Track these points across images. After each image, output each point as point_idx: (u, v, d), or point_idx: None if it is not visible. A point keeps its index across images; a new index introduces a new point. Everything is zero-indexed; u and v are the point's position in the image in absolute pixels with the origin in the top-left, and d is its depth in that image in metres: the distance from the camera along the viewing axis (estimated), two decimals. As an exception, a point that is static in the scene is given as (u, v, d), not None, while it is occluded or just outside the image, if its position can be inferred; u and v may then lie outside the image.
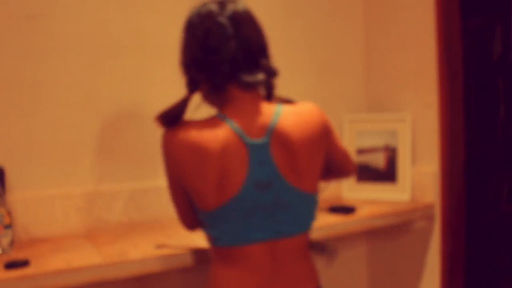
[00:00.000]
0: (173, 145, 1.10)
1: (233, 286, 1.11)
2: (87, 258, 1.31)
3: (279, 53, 2.10)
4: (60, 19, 1.61)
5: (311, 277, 1.20)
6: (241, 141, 1.06)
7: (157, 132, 1.81)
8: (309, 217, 1.18)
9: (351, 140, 2.19)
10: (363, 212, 1.81)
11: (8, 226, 1.39)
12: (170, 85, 1.82)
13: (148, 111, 1.78)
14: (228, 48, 1.06)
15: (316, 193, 1.17)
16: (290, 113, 1.11)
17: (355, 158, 2.17)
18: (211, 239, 1.16)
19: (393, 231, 2.10)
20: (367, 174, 2.13)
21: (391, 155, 2.08)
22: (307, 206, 1.16)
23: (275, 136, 1.08)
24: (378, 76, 2.23)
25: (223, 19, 1.07)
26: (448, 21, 1.89)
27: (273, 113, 1.10)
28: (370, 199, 2.07)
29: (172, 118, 1.13)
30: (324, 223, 1.61)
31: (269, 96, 1.17)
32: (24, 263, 1.23)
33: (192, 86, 1.15)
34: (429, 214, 1.94)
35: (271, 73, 1.14)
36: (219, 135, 1.06)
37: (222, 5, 1.10)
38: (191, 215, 1.22)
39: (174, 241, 1.48)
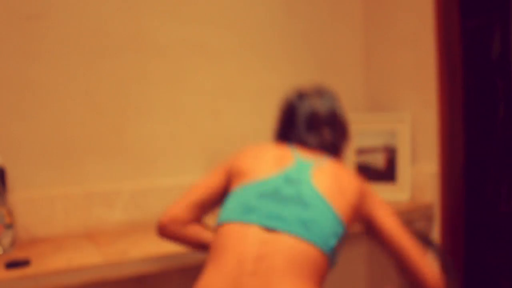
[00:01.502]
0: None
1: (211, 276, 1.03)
2: (88, 257, 1.31)
3: (279, 53, 2.11)
4: (60, 19, 1.61)
5: None
6: (293, 156, 1.21)
7: (157, 132, 1.82)
8: (328, 233, 1.07)
9: (351, 140, 2.19)
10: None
11: (9, 226, 1.39)
12: (170, 85, 1.83)
13: (148, 111, 1.78)
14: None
15: (343, 222, 1.12)
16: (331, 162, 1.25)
17: (355, 158, 2.17)
18: (218, 217, 1.17)
19: (393, 231, 2.10)
20: (367, 174, 2.13)
21: (391, 155, 2.08)
22: (329, 219, 1.08)
23: (317, 166, 1.19)
24: (378, 76, 2.23)
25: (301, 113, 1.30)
26: (448, 21, 1.90)
27: (321, 158, 1.24)
28: (369, 199, 2.07)
29: None
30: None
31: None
32: (24, 263, 1.23)
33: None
34: (429, 214, 1.94)
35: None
36: (279, 147, 1.27)
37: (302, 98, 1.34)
38: (194, 206, 1.23)
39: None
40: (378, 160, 2.11)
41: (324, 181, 1.14)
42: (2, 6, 1.53)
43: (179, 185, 1.80)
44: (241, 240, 1.04)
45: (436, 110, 1.93)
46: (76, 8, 1.64)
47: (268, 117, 2.06)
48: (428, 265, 1.16)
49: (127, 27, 1.73)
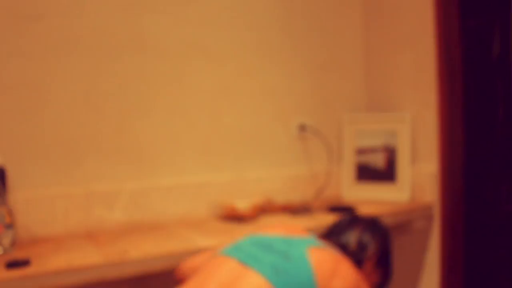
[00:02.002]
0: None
1: None
2: (88, 257, 1.31)
3: (279, 53, 2.11)
4: (60, 19, 1.61)
5: None
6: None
7: (157, 132, 1.82)
8: (295, 285, 1.06)
9: (350, 140, 2.19)
10: (363, 212, 1.81)
11: (9, 226, 1.39)
12: (170, 85, 1.83)
13: (148, 111, 1.78)
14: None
15: None
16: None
17: (355, 158, 2.17)
18: None
19: (393, 231, 2.11)
20: (367, 174, 2.13)
21: (391, 155, 2.08)
22: (302, 276, 1.07)
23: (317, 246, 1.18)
24: (378, 76, 2.23)
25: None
26: (447, 21, 1.90)
27: None
28: (369, 199, 2.07)
29: None
30: (324, 223, 1.62)
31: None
32: (25, 263, 1.23)
33: None
34: (429, 214, 1.94)
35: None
36: None
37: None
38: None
39: (174, 241, 1.49)
40: (378, 160, 2.11)
41: (321, 258, 1.10)
42: (2, 6, 1.53)
43: (179, 185, 1.81)
44: (216, 266, 1.10)
45: (436, 110, 1.93)
46: (76, 8, 1.64)
47: (268, 117, 2.07)
48: None
49: (127, 27, 1.73)
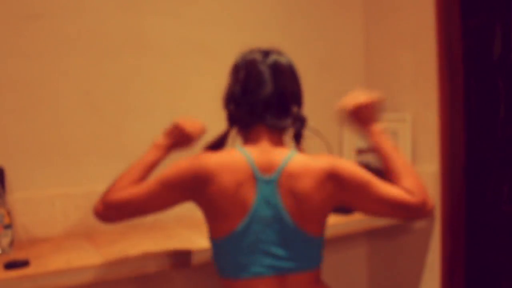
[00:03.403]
0: (205, 162, 1.14)
1: None
2: (87, 258, 1.31)
3: (279, 53, 2.10)
4: (60, 19, 1.61)
5: None
6: (252, 174, 1.12)
7: (157, 132, 1.82)
8: (313, 257, 1.15)
9: (351, 140, 2.18)
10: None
11: (8, 226, 1.39)
12: (170, 85, 1.82)
13: (148, 111, 1.78)
14: (263, 92, 1.17)
15: (321, 236, 1.17)
16: (300, 158, 1.15)
17: (355, 158, 2.16)
18: (218, 269, 1.17)
19: (393, 231, 2.10)
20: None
21: (391, 155, 2.07)
22: (310, 247, 1.14)
23: (283, 176, 1.12)
24: (378, 76, 2.23)
25: (263, 67, 1.19)
26: (448, 21, 1.89)
27: (286, 156, 1.15)
28: (370, 199, 2.06)
29: (214, 148, 1.23)
30: (324, 223, 1.61)
31: (297, 142, 1.24)
32: (24, 263, 1.23)
33: (231, 121, 1.24)
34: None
35: (299, 121, 1.22)
36: (236, 165, 1.13)
37: (265, 55, 1.22)
38: (132, 204, 1.18)
39: (174, 241, 1.48)
40: (378, 161, 2.10)
41: (291, 199, 1.11)
42: (2, 5, 1.53)
43: (179, 185, 1.80)
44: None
45: (437, 110, 1.92)
46: (76, 7, 1.64)
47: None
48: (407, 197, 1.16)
49: (127, 27, 1.72)
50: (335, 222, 1.69)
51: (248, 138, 1.21)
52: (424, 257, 1.99)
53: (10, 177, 1.53)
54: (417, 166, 2.01)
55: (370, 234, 2.23)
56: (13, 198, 1.52)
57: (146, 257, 1.33)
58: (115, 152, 1.71)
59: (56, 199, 1.59)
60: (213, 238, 1.16)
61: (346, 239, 2.14)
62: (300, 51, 2.12)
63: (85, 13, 1.65)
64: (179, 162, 1.17)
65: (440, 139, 1.92)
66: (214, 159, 1.13)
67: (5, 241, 1.38)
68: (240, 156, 1.14)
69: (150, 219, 1.74)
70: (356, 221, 1.76)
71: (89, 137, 1.67)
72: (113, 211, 1.19)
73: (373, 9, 2.23)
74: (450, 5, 1.88)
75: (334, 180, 1.13)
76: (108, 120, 1.70)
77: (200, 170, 1.12)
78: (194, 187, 1.13)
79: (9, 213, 1.40)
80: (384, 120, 2.12)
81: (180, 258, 1.36)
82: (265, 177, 1.12)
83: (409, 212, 1.15)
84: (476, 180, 1.95)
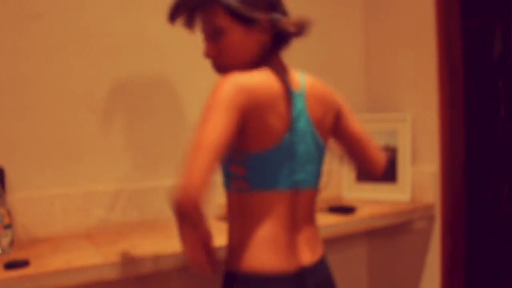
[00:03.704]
0: (247, 81, 1.10)
1: (270, 239, 1.14)
2: (87, 258, 1.31)
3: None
4: (60, 18, 1.61)
5: (319, 239, 1.27)
6: (288, 89, 1.15)
7: (157, 132, 1.82)
8: (321, 172, 1.25)
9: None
10: (363, 212, 1.81)
11: (8, 226, 1.39)
12: (170, 85, 1.82)
13: (148, 111, 1.78)
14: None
15: (326, 147, 1.27)
16: (309, 77, 1.26)
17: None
18: (246, 184, 1.15)
19: (393, 231, 2.10)
20: (367, 174, 2.12)
21: (391, 155, 2.08)
22: (323, 160, 1.25)
23: (307, 91, 1.20)
24: (378, 76, 2.23)
25: None
26: (448, 20, 1.89)
27: (299, 73, 1.24)
28: (370, 199, 2.07)
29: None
30: (324, 223, 1.61)
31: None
32: (24, 263, 1.22)
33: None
34: (429, 214, 1.94)
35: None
36: (273, 81, 1.14)
37: None
38: (213, 166, 1.03)
39: (174, 241, 1.48)
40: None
41: (316, 111, 1.20)
42: (2, 6, 1.52)
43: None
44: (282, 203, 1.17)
45: (437, 110, 1.92)
46: (76, 7, 1.63)
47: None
48: (379, 154, 1.38)
49: (127, 27, 1.72)
50: (335, 222, 1.69)
51: (267, 58, 1.20)
52: (424, 257, 1.98)
53: (10, 177, 1.53)
54: (417, 166, 2.01)
55: (370, 234, 2.23)
56: (13, 198, 1.52)
57: (146, 257, 1.33)
58: (115, 152, 1.71)
59: (56, 199, 1.59)
60: (253, 152, 1.12)
61: (346, 239, 2.14)
62: (300, 51, 2.12)
63: (85, 13, 1.65)
64: (223, 88, 1.07)
65: (440, 139, 1.92)
66: (257, 80, 1.11)
67: (5, 241, 1.37)
68: (274, 74, 1.16)
69: (150, 219, 1.75)
70: (356, 221, 1.76)
71: (89, 137, 1.66)
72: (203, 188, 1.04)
73: (373, 9, 2.23)
74: (450, 5, 1.88)
75: (337, 103, 1.30)
76: (108, 120, 1.70)
77: (249, 92, 1.08)
78: (247, 107, 1.08)
79: (9, 213, 1.40)
80: (384, 120, 2.12)
81: (180, 258, 1.36)
82: (296, 92, 1.17)
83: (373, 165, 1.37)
84: (476, 180, 1.95)
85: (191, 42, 1.85)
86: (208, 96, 1.09)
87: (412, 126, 2.03)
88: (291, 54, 1.24)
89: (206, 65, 1.89)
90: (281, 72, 1.18)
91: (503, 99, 1.88)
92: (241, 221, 1.18)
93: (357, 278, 2.26)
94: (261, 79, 1.12)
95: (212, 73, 1.97)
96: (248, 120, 1.09)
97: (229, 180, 1.20)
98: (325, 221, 1.66)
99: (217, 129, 1.03)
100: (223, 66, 1.22)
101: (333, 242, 2.04)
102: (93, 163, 1.67)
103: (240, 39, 1.16)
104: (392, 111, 2.13)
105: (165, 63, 1.80)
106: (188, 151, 1.08)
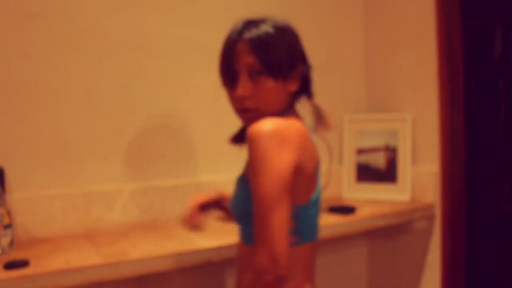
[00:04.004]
0: (293, 129, 1.04)
1: None
2: (87, 258, 1.31)
3: (279, 53, 2.10)
4: (60, 18, 1.61)
5: None
6: (310, 137, 1.13)
7: (157, 132, 1.82)
8: None
9: (351, 140, 2.18)
10: (363, 212, 1.81)
11: (8, 226, 1.39)
12: (170, 85, 1.82)
13: (148, 111, 1.78)
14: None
15: None
16: None
17: (356, 158, 2.16)
18: (295, 238, 1.07)
19: (393, 231, 2.10)
20: (367, 174, 2.13)
21: (391, 155, 2.08)
22: None
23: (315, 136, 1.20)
24: (378, 76, 2.22)
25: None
26: (449, 21, 1.89)
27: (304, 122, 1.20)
28: (370, 199, 2.06)
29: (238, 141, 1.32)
30: (324, 223, 1.61)
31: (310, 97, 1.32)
32: (23, 263, 1.22)
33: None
34: (430, 214, 1.94)
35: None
36: (304, 131, 1.10)
37: (243, 30, 1.22)
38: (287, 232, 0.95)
39: (174, 241, 1.48)
40: (378, 160, 2.10)
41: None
42: (2, 5, 1.52)
43: (178, 185, 1.80)
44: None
45: (437, 110, 1.92)
46: (75, 7, 1.63)
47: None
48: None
49: (126, 27, 1.72)
50: (335, 222, 1.69)
51: (290, 106, 1.20)
52: (424, 257, 1.98)
53: (10, 177, 1.53)
54: (417, 166, 2.01)
55: (370, 234, 2.23)
56: (13, 198, 1.52)
57: (146, 257, 1.33)
58: (115, 152, 1.71)
59: (56, 199, 1.59)
60: (302, 202, 1.07)
61: (346, 239, 2.14)
62: (300, 51, 2.12)
63: (85, 13, 1.65)
64: (278, 156, 0.96)
65: (440, 139, 1.91)
66: (297, 125, 1.08)
67: (5, 241, 1.37)
68: (300, 120, 1.15)
69: (150, 219, 1.74)
70: (356, 221, 1.76)
71: (89, 137, 1.66)
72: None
73: (373, 9, 2.22)
74: (450, 5, 1.88)
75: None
76: (107, 120, 1.70)
77: (297, 134, 1.04)
78: (301, 150, 1.04)
79: (9, 213, 1.40)
80: (384, 120, 2.12)
81: (180, 258, 1.36)
82: (313, 139, 1.16)
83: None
84: (476, 180, 1.95)
85: (191, 41, 1.86)
86: (254, 144, 0.97)
87: (412, 126, 2.03)
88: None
89: (206, 64, 1.89)
90: (301, 118, 1.18)
91: (503, 99, 1.88)
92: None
93: (357, 278, 2.26)
94: (298, 125, 1.08)
95: (212, 70, 1.97)
96: (299, 167, 1.01)
97: None
98: (325, 221, 1.65)
99: (283, 172, 0.95)
100: (253, 108, 1.10)
101: (333, 242, 2.04)
102: (93, 163, 1.67)
103: (278, 85, 1.10)
104: (392, 111, 2.13)
105: (164, 63, 1.80)
106: (258, 206, 0.95)
